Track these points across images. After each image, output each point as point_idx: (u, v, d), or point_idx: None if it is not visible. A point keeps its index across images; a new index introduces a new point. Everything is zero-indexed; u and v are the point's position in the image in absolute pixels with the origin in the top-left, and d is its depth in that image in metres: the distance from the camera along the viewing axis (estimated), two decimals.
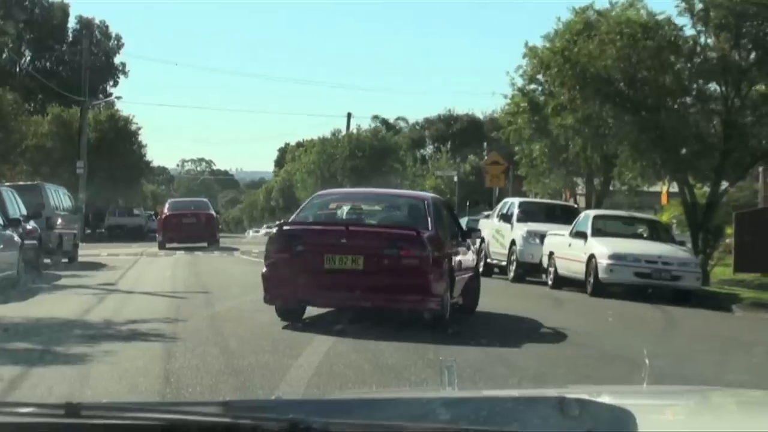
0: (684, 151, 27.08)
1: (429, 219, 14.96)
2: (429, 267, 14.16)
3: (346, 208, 16.08)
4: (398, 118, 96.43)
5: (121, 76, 78.89)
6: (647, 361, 8.98)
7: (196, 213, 42.89)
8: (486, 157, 51.81)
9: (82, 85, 57.73)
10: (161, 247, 40.12)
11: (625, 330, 16.97)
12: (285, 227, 15.02)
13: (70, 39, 76.02)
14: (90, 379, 9.84)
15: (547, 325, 15.94)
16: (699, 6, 26.25)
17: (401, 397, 3.70)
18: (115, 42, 78.97)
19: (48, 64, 75.22)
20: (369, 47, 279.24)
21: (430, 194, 19.21)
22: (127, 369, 10.28)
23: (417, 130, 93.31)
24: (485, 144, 64.67)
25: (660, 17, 27.28)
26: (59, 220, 28.86)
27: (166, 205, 45.75)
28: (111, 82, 77.90)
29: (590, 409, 2.57)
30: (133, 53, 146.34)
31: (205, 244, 41.13)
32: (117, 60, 78.61)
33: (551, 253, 25.35)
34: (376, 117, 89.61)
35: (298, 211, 16.36)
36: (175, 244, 40.25)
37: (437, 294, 14.25)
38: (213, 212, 44.97)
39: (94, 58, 69.50)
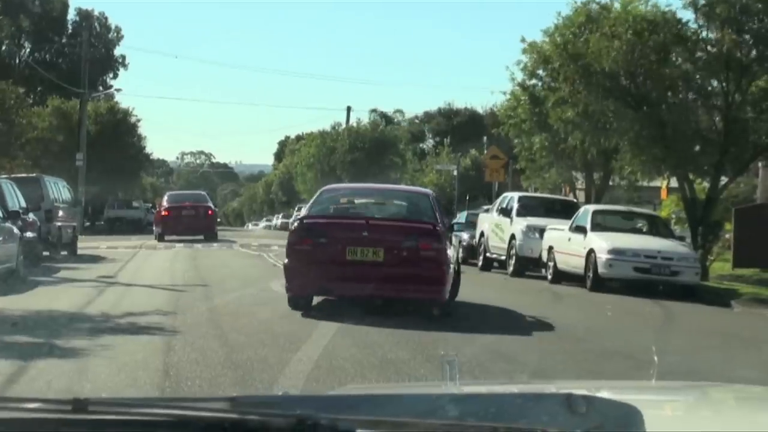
0: (685, 146, 27.07)
1: (437, 213, 15.77)
2: (444, 259, 15.02)
3: (357, 203, 16.75)
4: (396, 111, 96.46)
5: (121, 69, 78.91)
6: (655, 358, 8.97)
7: (195, 206, 43.15)
8: (486, 152, 51.81)
9: (81, 78, 57.67)
10: (160, 239, 40.29)
11: (624, 325, 16.97)
12: (306, 221, 15.54)
13: (70, 31, 75.93)
14: (89, 372, 9.83)
15: (547, 319, 15.92)
16: (702, 1, 26.22)
17: (408, 393, 3.69)
18: (115, 34, 78.89)
19: (47, 56, 75.11)
20: (369, 41, 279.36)
21: (429, 190, 19.83)
22: (126, 362, 10.28)
23: (416, 124, 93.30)
24: (485, 138, 64.60)
25: (665, 11, 27.20)
26: (59, 213, 28.85)
27: (165, 198, 45.93)
28: (111, 75, 77.83)
29: (597, 406, 2.56)
30: (133, 45, 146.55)
31: (203, 237, 41.24)
32: (117, 52, 78.59)
33: (550, 248, 25.35)
34: (374, 110, 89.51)
35: (309, 205, 16.82)
36: (174, 237, 40.39)
37: (448, 284, 15.11)
38: (211, 205, 45.16)
39: (94, 50, 69.40)
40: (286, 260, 15.40)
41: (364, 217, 15.70)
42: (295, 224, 15.91)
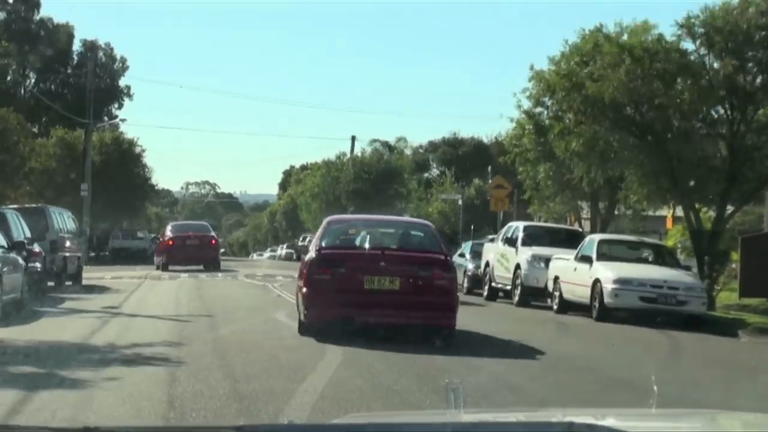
0: (690, 176, 27.00)
1: (442, 244, 16.61)
2: (455, 287, 16.17)
3: (367, 234, 17.24)
4: (399, 139, 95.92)
5: (126, 99, 79.03)
6: (655, 388, 8.90)
7: (199, 236, 43.34)
8: (491, 181, 51.82)
9: (86, 108, 57.75)
10: (164, 269, 40.45)
11: (630, 355, 16.89)
12: (324, 251, 16.13)
13: (75, 62, 76.15)
14: (94, 403, 9.80)
15: (553, 350, 15.87)
16: (700, 30, 26.23)
17: (412, 422, 3.67)
18: (120, 64, 79.03)
19: (53, 86, 75.31)
20: (373, 71, 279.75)
21: (428, 222, 20.74)
22: (131, 393, 10.24)
23: (421, 154, 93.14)
24: (490, 168, 64.61)
25: (668, 40, 27.09)
26: (64, 243, 28.84)
27: (168, 228, 46.12)
28: (116, 105, 77.95)
29: None
30: (137, 76, 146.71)
31: (209, 267, 41.30)
32: (122, 82, 78.75)
33: (556, 278, 25.28)
34: (375, 141, 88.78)
35: (318, 236, 17.18)
36: (179, 267, 40.53)
37: (456, 312, 15.82)
38: (214, 235, 45.43)
39: (99, 80, 69.49)
40: (304, 289, 15.86)
41: (380, 247, 16.37)
42: (313, 254, 16.23)
